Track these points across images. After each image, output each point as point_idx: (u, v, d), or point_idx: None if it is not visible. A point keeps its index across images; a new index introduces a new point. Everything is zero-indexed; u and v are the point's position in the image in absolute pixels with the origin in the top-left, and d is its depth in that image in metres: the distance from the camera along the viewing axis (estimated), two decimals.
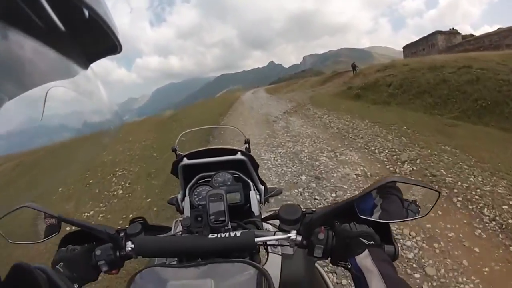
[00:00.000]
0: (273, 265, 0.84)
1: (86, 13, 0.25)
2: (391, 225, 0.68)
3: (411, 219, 0.64)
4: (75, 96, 0.33)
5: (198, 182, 1.13)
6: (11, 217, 0.71)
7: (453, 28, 43.04)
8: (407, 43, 53.11)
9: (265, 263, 0.80)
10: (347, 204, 0.64)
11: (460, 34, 42.42)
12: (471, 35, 44.96)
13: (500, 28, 36.02)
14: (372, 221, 0.64)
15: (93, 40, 0.31)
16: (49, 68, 0.28)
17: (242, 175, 1.13)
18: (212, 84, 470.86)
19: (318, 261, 1.01)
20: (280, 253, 0.91)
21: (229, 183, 1.09)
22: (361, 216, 0.64)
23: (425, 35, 47.09)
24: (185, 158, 1.10)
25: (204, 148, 1.16)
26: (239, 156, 1.09)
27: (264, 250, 0.83)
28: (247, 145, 1.26)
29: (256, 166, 1.14)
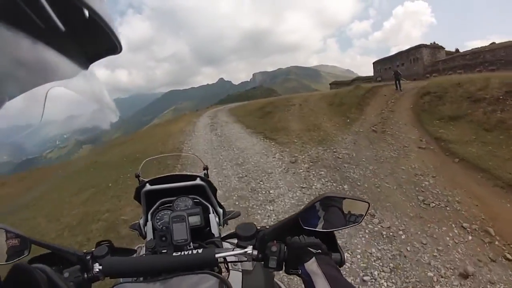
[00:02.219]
0: (234, 281, 0.90)
1: (86, 13, 0.26)
2: (336, 235, 0.79)
3: (349, 227, 0.76)
4: (76, 96, 0.34)
5: (160, 207, 1.20)
6: None
7: (434, 42, 39.85)
8: (377, 59, 50.45)
9: (227, 279, 0.84)
10: (293, 219, 0.74)
11: (444, 49, 39.52)
12: (457, 50, 42.49)
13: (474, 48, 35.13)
14: (318, 232, 0.74)
15: (93, 40, 0.32)
16: (49, 68, 0.29)
17: (201, 200, 1.22)
18: (160, 100, 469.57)
19: (277, 275, 1.13)
20: (240, 270, 0.97)
21: (189, 207, 1.16)
22: (306, 228, 0.73)
23: (402, 49, 43.50)
24: (147, 184, 1.18)
25: (165, 175, 1.25)
26: (198, 181, 1.21)
27: (225, 268, 0.90)
28: (205, 171, 1.39)
29: (214, 190, 1.25)
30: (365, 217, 0.78)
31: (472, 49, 34.32)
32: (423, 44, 39.36)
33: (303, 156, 7.42)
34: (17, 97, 0.29)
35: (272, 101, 16.45)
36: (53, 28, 0.25)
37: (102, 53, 0.35)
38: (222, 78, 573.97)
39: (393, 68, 41.82)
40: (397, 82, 14.60)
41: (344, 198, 0.77)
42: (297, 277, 0.73)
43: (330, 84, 64.57)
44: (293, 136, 9.39)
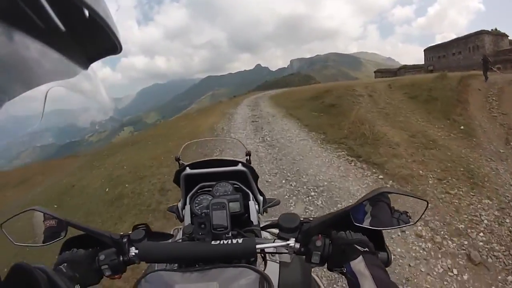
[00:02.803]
0: (271, 272, 0.87)
1: (86, 13, 0.26)
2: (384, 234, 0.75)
3: (401, 227, 0.74)
4: (76, 96, 0.34)
5: (199, 191, 1.19)
6: (18, 219, 0.76)
7: (496, 29, 35.24)
8: (428, 46, 45.24)
9: (264, 270, 0.84)
10: (342, 213, 0.70)
11: (508, 36, 35.44)
12: None
13: None
14: (366, 229, 0.71)
15: (93, 40, 0.32)
16: (49, 68, 0.30)
17: (242, 186, 1.20)
18: (198, 86, 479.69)
19: (314, 270, 1.10)
20: (278, 261, 0.96)
21: (229, 193, 1.15)
22: (356, 224, 0.70)
23: (461, 35, 38.86)
24: (187, 168, 1.18)
25: (206, 159, 1.25)
26: (240, 167, 1.19)
27: (262, 259, 0.90)
28: (248, 157, 1.37)
29: (256, 177, 1.23)
30: (422, 217, 0.71)
31: None
32: (485, 30, 35.54)
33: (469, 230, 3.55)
34: (17, 97, 0.29)
35: (329, 89, 13.44)
36: (53, 28, 0.25)
37: (102, 53, 0.36)
38: (259, 64, 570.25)
39: (447, 57, 40.87)
40: (486, 71, 12.21)
41: (401, 194, 0.74)
42: (335, 273, 0.68)
43: (374, 72, 61.83)
44: (405, 158, 5.52)
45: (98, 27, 0.29)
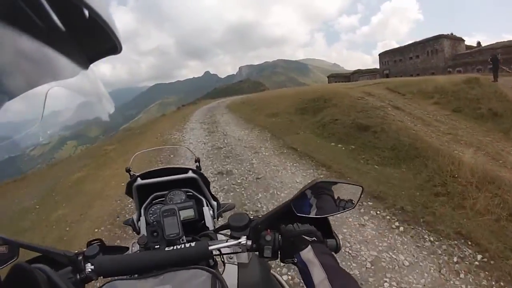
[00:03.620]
0: (230, 274, 0.90)
1: (86, 13, 0.26)
2: (330, 221, 0.79)
3: (343, 212, 0.76)
4: (76, 96, 0.35)
5: (153, 201, 1.19)
6: None
7: (452, 34, 35.82)
8: (383, 50, 45.33)
9: (222, 273, 0.89)
10: (286, 206, 0.72)
11: (464, 41, 35.53)
12: (479, 43, 38.60)
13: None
14: (312, 219, 0.75)
15: (93, 40, 0.33)
16: (49, 68, 0.30)
17: (195, 193, 1.21)
18: (146, 94, 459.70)
19: (273, 269, 1.13)
20: (236, 263, 0.97)
21: (182, 200, 1.15)
22: (299, 215, 0.73)
23: (419, 39, 38.12)
24: (138, 178, 1.17)
25: (157, 168, 1.25)
26: (190, 174, 1.20)
27: (221, 262, 0.91)
28: (197, 164, 1.36)
29: (207, 183, 1.24)
30: (358, 202, 0.77)
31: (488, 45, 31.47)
32: (444, 35, 35.14)
33: None
34: (17, 97, 0.29)
35: (321, 95, 10.48)
36: (53, 28, 0.25)
37: (102, 53, 0.35)
38: (208, 71, 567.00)
39: (404, 60, 39.83)
40: (496, 71, 11.86)
41: (337, 183, 0.78)
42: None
43: (328, 77, 63.61)
44: None
45: (98, 27, 0.29)
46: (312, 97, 10.81)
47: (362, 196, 0.76)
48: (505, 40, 29.72)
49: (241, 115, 12.24)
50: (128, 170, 1.31)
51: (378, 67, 47.73)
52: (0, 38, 0.22)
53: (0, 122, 0.34)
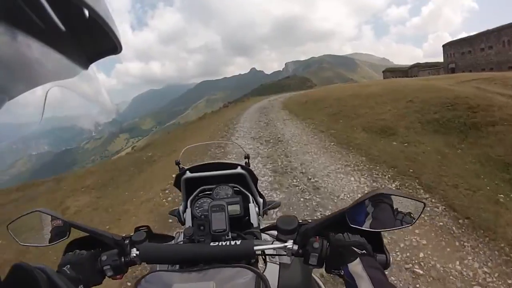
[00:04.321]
0: (271, 274, 0.91)
1: (86, 13, 0.26)
2: (383, 236, 0.76)
3: (399, 228, 0.72)
4: (76, 96, 0.34)
5: (199, 194, 1.21)
6: (23, 220, 0.79)
7: None
8: (449, 40, 40.12)
9: (264, 271, 0.91)
10: (339, 215, 0.71)
11: None
12: None
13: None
14: (364, 231, 0.71)
15: (93, 40, 0.33)
16: (49, 68, 0.30)
17: (241, 188, 1.22)
18: (193, 90, 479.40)
19: (314, 271, 1.09)
20: (277, 263, 0.97)
21: (229, 195, 1.17)
22: (352, 226, 0.70)
23: (487, 28, 33.00)
24: (187, 172, 1.20)
25: (206, 162, 1.26)
26: (239, 170, 1.21)
27: (263, 260, 0.93)
28: (247, 160, 1.38)
29: (255, 180, 1.25)
30: (419, 218, 0.71)
31: None
32: None
33: None
34: (17, 97, 0.29)
35: (468, 103, 6.67)
36: (53, 28, 0.25)
37: (102, 53, 0.35)
38: (254, 68, 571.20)
39: (474, 51, 34.78)
40: None
41: (397, 196, 0.73)
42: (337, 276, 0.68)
43: (383, 71, 60.61)
44: None
45: (98, 27, 0.29)
46: (438, 101, 7.35)
47: (422, 213, 0.71)
48: None
49: (316, 125, 8.96)
50: (177, 163, 1.34)
51: (436, 60, 43.49)
52: (0, 38, 0.22)
53: (2, 122, 0.32)
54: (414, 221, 0.71)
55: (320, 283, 1.12)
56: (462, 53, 37.17)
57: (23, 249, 3.25)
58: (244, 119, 12.42)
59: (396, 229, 0.73)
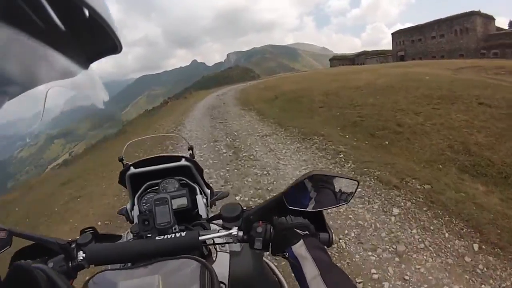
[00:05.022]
0: (222, 263, 0.92)
1: (86, 13, 0.26)
2: (324, 214, 0.79)
3: (336, 206, 0.77)
4: (76, 96, 0.40)
5: (146, 190, 1.20)
6: None
7: (479, 11, 30.71)
8: (399, 29, 40.96)
9: (214, 261, 0.91)
10: (278, 199, 0.74)
11: (495, 20, 31.37)
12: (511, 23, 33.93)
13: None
14: (307, 212, 0.74)
15: (93, 40, 0.33)
16: (49, 68, 0.30)
17: (188, 181, 1.22)
18: (133, 86, 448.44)
19: (266, 256, 1.12)
20: (228, 251, 0.97)
21: (176, 189, 1.15)
22: (291, 207, 0.73)
23: (440, 17, 33.71)
24: (131, 167, 1.17)
25: (150, 157, 1.24)
26: (183, 162, 1.21)
27: (215, 250, 0.93)
28: (191, 151, 1.38)
29: (201, 171, 1.25)
30: (354, 196, 0.77)
31: None
32: (476, 11, 30.24)
33: None
34: (17, 97, 0.29)
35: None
36: (53, 28, 0.25)
37: (102, 52, 0.36)
38: (195, 60, 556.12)
39: (425, 40, 35.36)
40: None
41: (332, 176, 0.78)
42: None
43: (330, 60, 60.65)
44: None
45: (98, 27, 0.30)
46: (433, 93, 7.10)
47: (357, 190, 0.76)
48: None
49: (346, 155, 5.24)
50: (121, 159, 1.30)
51: (374, 48, 46.31)
52: (0, 38, 0.22)
53: (0, 122, 0.38)
54: (350, 198, 0.76)
55: (273, 267, 1.12)
56: (412, 41, 37.81)
57: None
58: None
59: (334, 207, 0.77)
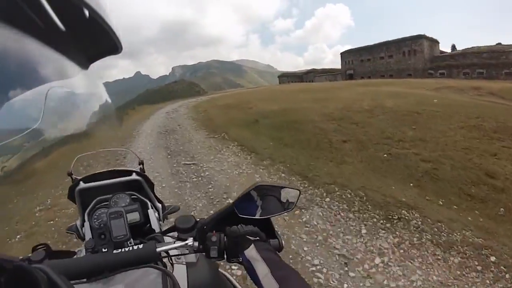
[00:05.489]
0: (179, 274, 0.91)
1: (86, 13, 0.26)
2: (273, 222, 0.83)
3: (282, 213, 0.82)
4: (76, 95, 0.33)
5: (96, 206, 1.16)
6: None
7: (425, 35, 32.94)
8: (347, 49, 43.17)
9: (172, 273, 0.89)
10: (229, 208, 0.77)
11: (439, 43, 33.68)
12: (454, 46, 37.36)
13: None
14: (256, 220, 0.78)
15: (93, 40, 0.32)
16: (49, 68, 0.30)
17: (139, 195, 1.20)
18: None
19: (222, 266, 1.13)
20: (184, 263, 0.97)
21: (127, 204, 1.13)
22: (241, 216, 0.77)
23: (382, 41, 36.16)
24: (81, 182, 1.14)
25: (100, 171, 1.21)
26: (134, 176, 1.19)
27: (170, 264, 0.92)
28: (141, 166, 1.36)
29: (151, 185, 1.24)
30: (296, 203, 0.81)
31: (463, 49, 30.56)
32: (423, 35, 32.40)
33: None
34: (17, 97, 0.29)
35: None
36: (53, 28, 0.25)
37: (102, 53, 0.35)
38: (139, 72, 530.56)
39: (374, 60, 36.96)
40: None
41: (277, 187, 0.82)
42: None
43: (279, 77, 60.08)
44: None
45: (98, 27, 0.29)
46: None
47: (299, 198, 0.81)
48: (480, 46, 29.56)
49: None
50: (70, 174, 1.26)
51: (314, 67, 47.89)
52: (0, 38, 0.22)
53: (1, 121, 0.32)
54: (293, 205, 0.81)
55: (228, 276, 1.13)
56: (361, 60, 39.18)
57: None
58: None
59: (280, 214, 0.81)
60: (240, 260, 0.73)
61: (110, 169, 1.25)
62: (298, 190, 0.82)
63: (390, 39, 36.62)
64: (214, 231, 0.78)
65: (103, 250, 0.78)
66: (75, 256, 0.92)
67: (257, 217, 0.78)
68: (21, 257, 0.76)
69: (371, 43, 39.21)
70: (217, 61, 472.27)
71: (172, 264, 0.93)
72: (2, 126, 0.34)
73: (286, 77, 56.91)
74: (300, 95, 12.24)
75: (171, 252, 0.86)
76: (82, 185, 1.14)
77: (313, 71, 51.68)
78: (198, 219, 0.84)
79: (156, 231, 1.07)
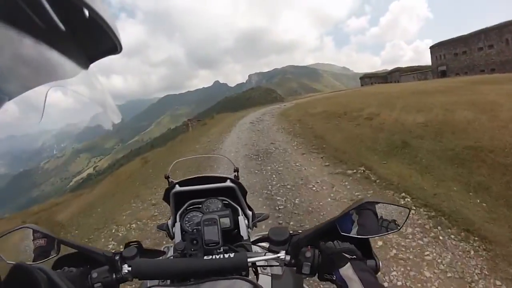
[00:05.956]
0: (264, 286, 0.91)
1: (86, 13, 0.27)
2: (371, 242, 0.82)
3: (387, 234, 0.79)
4: (76, 96, 0.36)
5: (189, 208, 1.27)
6: (10, 236, 0.78)
7: None
8: (437, 41, 38.11)
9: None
10: (329, 224, 0.78)
11: None
12: None
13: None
14: (353, 238, 0.79)
15: (93, 40, 0.34)
16: (49, 68, 0.31)
17: (231, 202, 1.28)
18: (157, 105, 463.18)
19: (306, 281, 1.15)
20: (269, 274, 1.00)
21: (219, 209, 1.23)
22: (343, 234, 0.77)
23: (479, 28, 30.33)
24: (177, 185, 1.26)
25: (195, 176, 1.32)
26: (228, 183, 1.27)
27: (254, 272, 0.97)
28: (236, 173, 1.44)
29: (244, 193, 1.32)
30: (405, 224, 0.75)
31: None
32: None
33: None
34: (17, 97, 0.31)
35: None
36: (53, 28, 0.26)
37: (102, 53, 0.38)
38: (217, 81, 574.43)
39: (470, 52, 31.13)
40: None
41: (384, 203, 0.79)
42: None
43: (360, 78, 56.88)
44: None
45: (98, 27, 0.31)
46: None
47: (408, 218, 0.74)
48: None
49: None
50: (167, 177, 1.38)
51: (394, 66, 41.81)
52: (0, 38, 0.23)
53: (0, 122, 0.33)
54: (400, 227, 0.78)
55: None
56: (455, 54, 33.30)
57: None
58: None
59: (383, 235, 0.79)
60: (334, 279, 0.74)
61: (205, 175, 1.34)
62: (408, 208, 0.79)
63: (479, 28, 30.78)
64: (308, 246, 0.80)
65: (193, 254, 0.83)
66: (163, 256, 1.02)
67: (358, 235, 0.77)
68: (114, 251, 0.84)
69: (456, 36, 33.09)
70: (292, 66, 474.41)
71: (256, 274, 0.98)
72: (2, 125, 0.36)
73: (369, 78, 52.59)
74: (428, 98, 9.64)
75: (261, 263, 0.87)
76: (177, 188, 1.24)
77: (398, 70, 47.63)
78: (292, 232, 0.86)
79: (244, 238, 1.14)
